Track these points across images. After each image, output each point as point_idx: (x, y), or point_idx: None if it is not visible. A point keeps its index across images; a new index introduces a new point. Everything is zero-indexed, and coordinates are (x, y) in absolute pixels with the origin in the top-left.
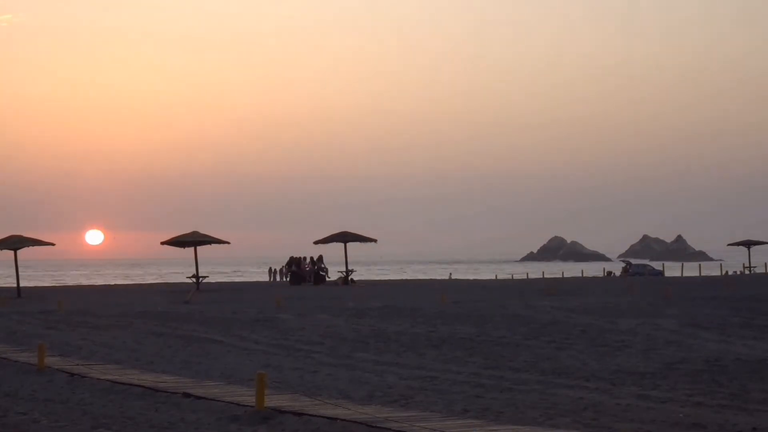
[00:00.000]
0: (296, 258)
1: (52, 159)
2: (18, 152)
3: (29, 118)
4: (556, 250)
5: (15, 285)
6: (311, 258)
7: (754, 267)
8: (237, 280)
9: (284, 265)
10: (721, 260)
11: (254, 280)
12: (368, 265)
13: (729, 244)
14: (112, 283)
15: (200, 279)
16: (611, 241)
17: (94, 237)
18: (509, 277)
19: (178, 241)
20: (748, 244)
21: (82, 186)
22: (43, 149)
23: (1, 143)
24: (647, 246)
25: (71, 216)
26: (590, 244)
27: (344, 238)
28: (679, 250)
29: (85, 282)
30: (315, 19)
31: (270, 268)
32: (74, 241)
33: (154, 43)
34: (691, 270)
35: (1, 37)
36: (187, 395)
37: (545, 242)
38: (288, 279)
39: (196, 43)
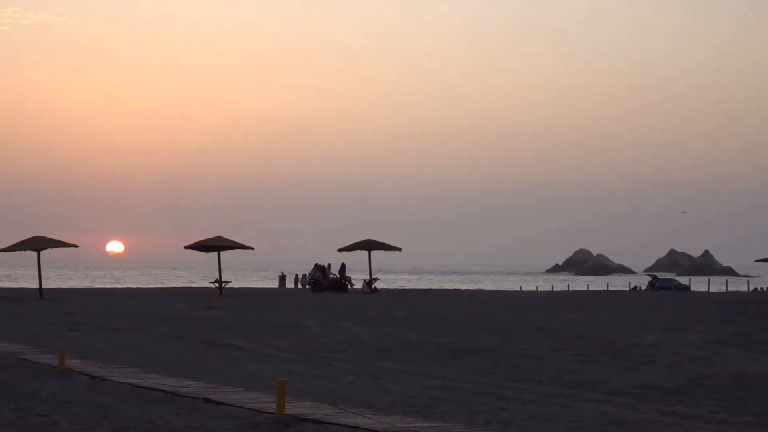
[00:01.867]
0: (320, 266)
1: (75, 160)
2: (41, 152)
3: (52, 119)
4: (581, 262)
5: (37, 286)
6: (326, 266)
7: None
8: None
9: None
10: (748, 276)
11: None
12: (389, 273)
13: (757, 261)
14: (134, 286)
15: (223, 284)
16: (638, 254)
17: (114, 246)
18: (534, 289)
19: (202, 246)
20: None
21: (107, 188)
22: (66, 151)
23: (18, 144)
24: (674, 260)
25: (95, 218)
26: (616, 258)
27: (369, 246)
28: (707, 265)
29: (107, 285)
30: (326, 25)
31: (295, 275)
32: (97, 243)
33: (174, 51)
34: (717, 285)
35: (33, 36)
36: (207, 401)
37: (571, 254)
38: (309, 286)
39: (215, 50)
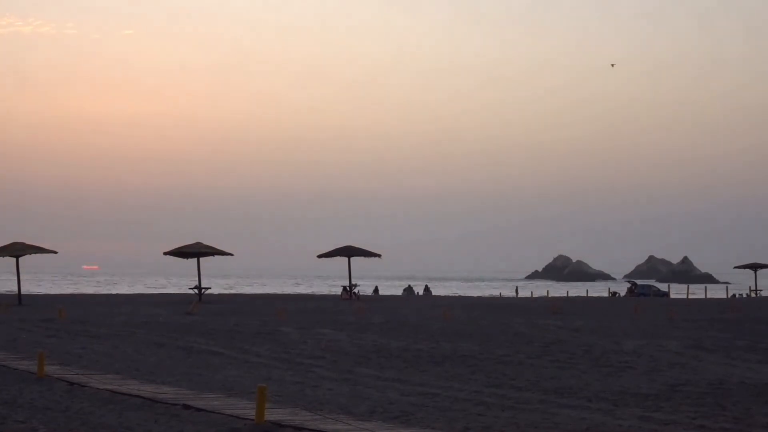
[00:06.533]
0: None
1: (55, 167)
2: (22, 159)
3: (34, 127)
4: (561, 269)
5: (16, 292)
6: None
7: (761, 290)
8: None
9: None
10: (727, 283)
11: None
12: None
13: (735, 267)
14: (114, 292)
15: (202, 290)
16: (617, 261)
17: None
18: (513, 295)
19: (181, 252)
20: (755, 267)
21: (87, 194)
22: (47, 158)
23: (6, 150)
24: (653, 267)
25: (75, 224)
26: (596, 264)
27: (348, 252)
28: (685, 271)
29: (86, 291)
30: (320, 38)
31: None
32: (77, 249)
33: (165, 65)
34: (696, 292)
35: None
36: (186, 407)
37: (550, 261)
38: None
39: (216, 65)
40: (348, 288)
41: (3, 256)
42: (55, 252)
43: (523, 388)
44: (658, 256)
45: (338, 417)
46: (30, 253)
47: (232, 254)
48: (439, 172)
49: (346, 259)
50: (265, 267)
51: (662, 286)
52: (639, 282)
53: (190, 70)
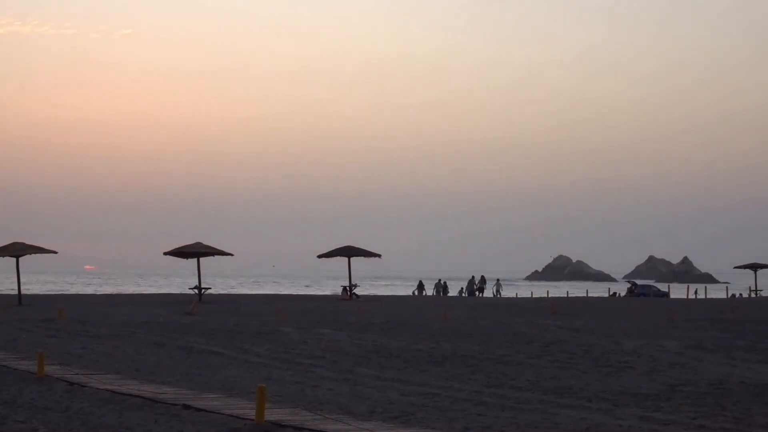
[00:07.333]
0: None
1: (55, 167)
2: (22, 159)
3: (34, 127)
4: (561, 269)
5: (16, 292)
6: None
7: (761, 290)
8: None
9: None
10: (727, 283)
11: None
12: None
13: (735, 267)
14: (114, 292)
15: (202, 290)
16: (617, 261)
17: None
18: (513, 295)
19: (181, 252)
20: (755, 267)
21: (87, 194)
22: (47, 158)
23: (5, 151)
24: (653, 267)
25: (75, 224)
26: (596, 264)
27: (348, 252)
28: (685, 271)
29: (86, 291)
30: (322, 40)
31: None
32: (75, 249)
33: (165, 65)
34: (696, 292)
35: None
36: (186, 407)
37: (550, 261)
38: None
39: (216, 65)
40: (348, 288)
41: (3, 256)
42: (55, 252)
43: (523, 388)
44: (658, 256)
45: (338, 417)
46: (30, 253)
47: (232, 254)
48: (440, 172)
49: (346, 259)
50: (265, 267)
51: (662, 287)
52: (639, 282)
53: (190, 69)
